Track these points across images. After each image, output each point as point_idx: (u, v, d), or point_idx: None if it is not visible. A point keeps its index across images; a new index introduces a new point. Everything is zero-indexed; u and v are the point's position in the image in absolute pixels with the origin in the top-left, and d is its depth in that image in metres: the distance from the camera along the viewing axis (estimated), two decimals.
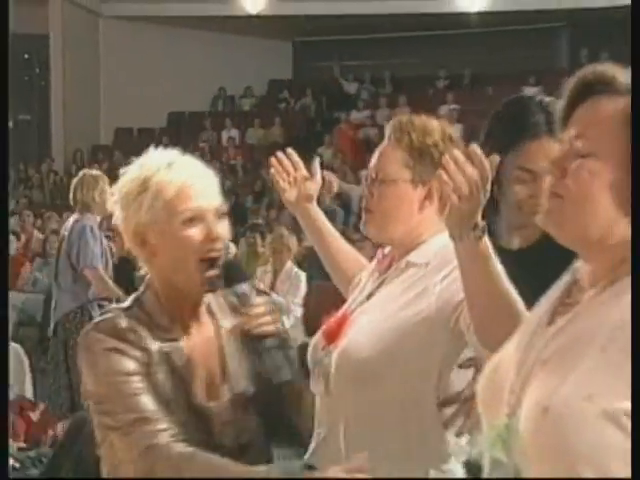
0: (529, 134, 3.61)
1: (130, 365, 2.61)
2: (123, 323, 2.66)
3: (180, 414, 2.63)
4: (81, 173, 9.52)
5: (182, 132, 26.00)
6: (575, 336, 1.98)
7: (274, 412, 2.81)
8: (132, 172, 2.72)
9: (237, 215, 15.93)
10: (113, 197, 2.75)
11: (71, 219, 9.48)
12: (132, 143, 23.45)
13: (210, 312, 2.81)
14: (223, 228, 2.69)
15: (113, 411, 2.60)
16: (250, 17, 24.82)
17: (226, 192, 10.42)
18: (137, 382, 2.60)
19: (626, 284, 1.94)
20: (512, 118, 3.60)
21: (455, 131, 3.41)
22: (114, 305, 2.87)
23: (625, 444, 1.81)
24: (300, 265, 10.75)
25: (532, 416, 1.95)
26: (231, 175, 23.11)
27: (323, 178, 4.10)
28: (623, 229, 1.99)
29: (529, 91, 24.48)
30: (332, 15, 24.54)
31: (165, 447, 2.53)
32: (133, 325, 2.66)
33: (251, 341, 2.68)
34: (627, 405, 1.83)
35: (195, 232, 2.65)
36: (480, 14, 23.70)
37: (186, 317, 2.76)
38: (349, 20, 24.60)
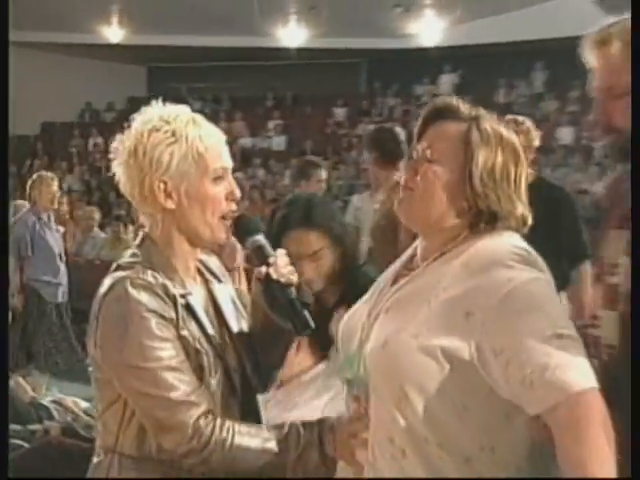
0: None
1: (168, 331, 2.24)
2: (150, 277, 2.27)
3: (208, 367, 2.32)
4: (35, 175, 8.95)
5: (54, 139, 25.60)
6: (410, 292, 2.25)
7: (269, 354, 2.55)
8: (150, 123, 2.34)
9: (103, 208, 15.70)
10: (124, 150, 2.35)
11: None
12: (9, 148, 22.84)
13: (199, 270, 2.48)
14: (236, 187, 2.38)
15: (153, 386, 2.21)
16: (112, 45, 24.56)
17: (94, 189, 10.23)
18: (175, 350, 2.24)
19: (454, 254, 2.24)
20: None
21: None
22: (127, 259, 2.35)
23: (439, 372, 2.11)
24: None
25: (376, 347, 2.22)
26: (97, 175, 22.78)
27: None
28: (452, 217, 2.27)
29: (337, 111, 24.79)
30: (180, 46, 24.47)
31: (209, 430, 2.24)
32: (160, 278, 2.28)
33: (275, 289, 2.34)
34: (442, 342, 2.10)
35: (221, 190, 2.34)
36: (299, 49, 23.84)
37: (190, 271, 2.43)
38: (194, 50, 24.68)
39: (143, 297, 2.21)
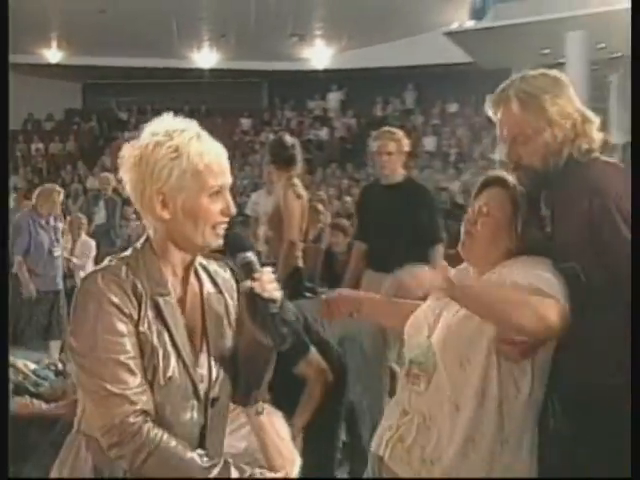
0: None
1: (124, 326, 2.00)
2: (123, 273, 2.04)
3: (164, 367, 2.06)
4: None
5: None
6: None
7: (249, 369, 2.24)
8: (156, 136, 2.08)
9: None
10: (130, 158, 2.08)
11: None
12: None
13: (197, 275, 2.21)
14: (232, 203, 2.12)
15: (97, 374, 1.99)
16: (52, 65, 24.18)
17: (35, 187, 9.87)
18: (128, 346, 2.00)
19: (493, 272, 2.67)
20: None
21: None
22: (119, 255, 2.13)
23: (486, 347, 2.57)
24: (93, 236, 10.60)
25: (442, 333, 2.62)
26: (39, 175, 22.38)
27: None
28: (495, 255, 2.70)
29: (243, 121, 24.75)
30: (111, 66, 24.23)
31: (135, 427, 1.98)
32: (132, 276, 2.05)
33: (258, 303, 2.09)
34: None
35: (217, 206, 2.08)
36: (212, 70, 23.80)
37: (178, 275, 2.16)
38: (123, 69, 24.48)
39: (108, 291, 2.01)
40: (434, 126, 22.13)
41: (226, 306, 2.25)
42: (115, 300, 2.01)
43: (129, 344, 2.01)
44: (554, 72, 2.70)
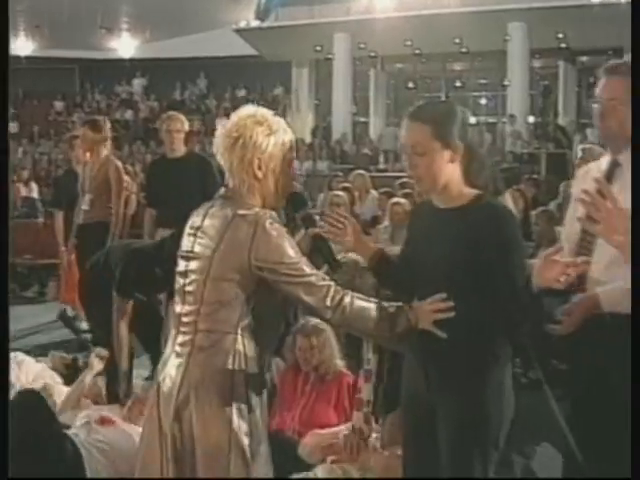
0: None
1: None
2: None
3: None
4: None
5: None
6: None
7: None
8: (253, 117, 2.29)
9: None
10: (231, 139, 2.27)
11: None
12: None
13: None
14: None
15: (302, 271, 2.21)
16: None
17: None
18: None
19: None
20: None
21: None
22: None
23: None
24: None
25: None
26: None
27: None
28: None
29: (57, 104, 23.86)
30: None
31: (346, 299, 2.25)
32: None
33: (320, 241, 2.48)
34: None
35: (291, 170, 2.38)
36: (27, 57, 22.64)
37: None
38: None
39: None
40: (226, 109, 22.37)
41: None
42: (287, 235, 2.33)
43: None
44: None
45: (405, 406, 2.57)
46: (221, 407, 2.21)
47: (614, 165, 2.59)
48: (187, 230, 2.36)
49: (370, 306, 2.28)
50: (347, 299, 2.24)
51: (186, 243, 2.34)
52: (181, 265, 2.34)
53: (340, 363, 3.85)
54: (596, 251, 2.46)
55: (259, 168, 2.27)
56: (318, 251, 2.44)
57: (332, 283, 2.26)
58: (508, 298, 2.20)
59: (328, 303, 2.22)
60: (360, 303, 2.27)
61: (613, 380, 2.44)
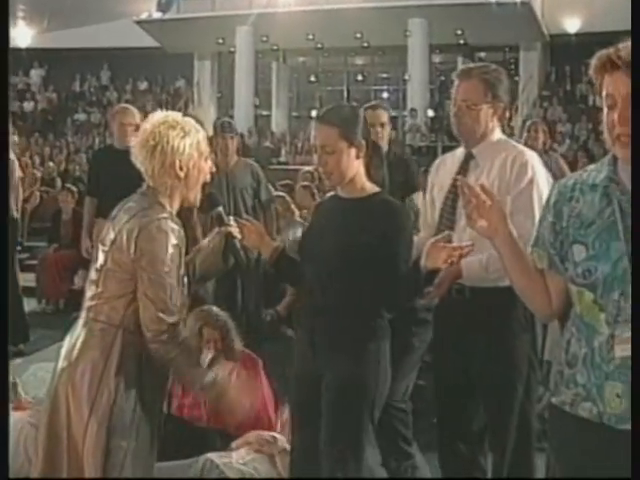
0: None
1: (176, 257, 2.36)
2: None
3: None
4: None
5: None
6: None
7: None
8: (165, 123, 2.40)
9: None
10: (149, 148, 2.37)
11: None
12: None
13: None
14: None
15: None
16: None
17: None
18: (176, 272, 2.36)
19: None
20: None
21: None
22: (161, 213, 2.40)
23: None
24: None
25: None
26: None
27: None
28: None
29: None
30: None
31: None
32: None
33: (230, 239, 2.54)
34: None
35: (208, 166, 2.47)
36: None
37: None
38: None
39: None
40: (127, 101, 22.07)
41: None
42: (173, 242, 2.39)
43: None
44: None
45: (296, 383, 2.76)
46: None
47: (469, 157, 2.93)
48: (109, 219, 2.49)
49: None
50: (174, 352, 2.29)
51: (105, 232, 2.44)
52: (98, 252, 2.44)
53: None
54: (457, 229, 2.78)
55: (180, 169, 2.39)
56: (228, 248, 2.56)
57: (177, 320, 2.31)
58: (393, 279, 2.50)
59: (154, 327, 2.27)
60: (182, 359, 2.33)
61: (468, 349, 2.79)
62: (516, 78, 19.91)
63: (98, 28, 21.84)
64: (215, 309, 3.96)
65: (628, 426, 1.67)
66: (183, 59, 21.66)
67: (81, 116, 21.81)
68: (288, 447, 3.13)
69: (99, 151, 6.45)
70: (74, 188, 8.84)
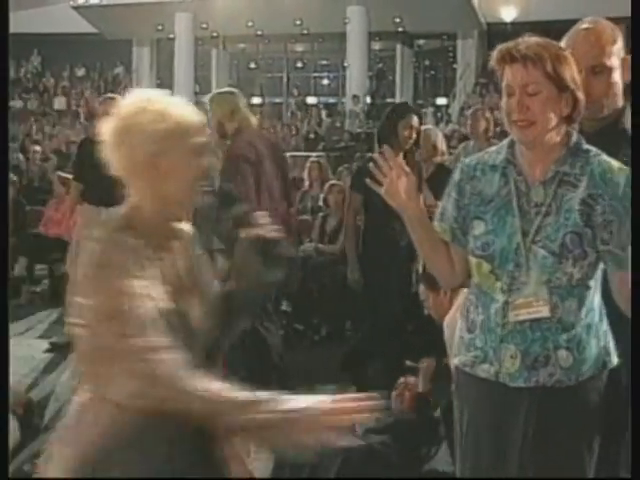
0: None
1: (142, 282, 1.66)
2: (131, 241, 1.69)
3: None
4: None
5: None
6: None
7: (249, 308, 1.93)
8: (139, 104, 1.77)
9: None
10: (116, 127, 1.83)
11: None
12: None
13: (178, 237, 1.82)
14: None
15: (121, 333, 1.58)
16: None
17: None
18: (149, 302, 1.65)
19: None
20: None
21: None
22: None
23: None
24: None
25: None
26: None
27: None
28: None
29: None
30: None
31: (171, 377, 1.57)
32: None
33: (263, 244, 1.85)
34: None
35: (201, 161, 1.76)
36: None
37: (162, 239, 1.77)
38: None
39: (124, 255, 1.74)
40: (64, 87, 21.83)
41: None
42: (128, 266, 1.75)
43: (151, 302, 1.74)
44: None
45: None
46: None
47: None
48: None
49: None
50: None
51: None
52: None
53: None
54: None
55: (153, 168, 1.82)
56: (263, 254, 1.92)
57: None
58: None
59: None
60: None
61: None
62: (454, 66, 20.30)
63: (33, 13, 21.51)
64: None
65: (521, 384, 1.87)
66: (122, 45, 21.48)
67: (17, 103, 21.53)
68: None
69: (85, 139, 6.90)
70: (15, 177, 8.83)
